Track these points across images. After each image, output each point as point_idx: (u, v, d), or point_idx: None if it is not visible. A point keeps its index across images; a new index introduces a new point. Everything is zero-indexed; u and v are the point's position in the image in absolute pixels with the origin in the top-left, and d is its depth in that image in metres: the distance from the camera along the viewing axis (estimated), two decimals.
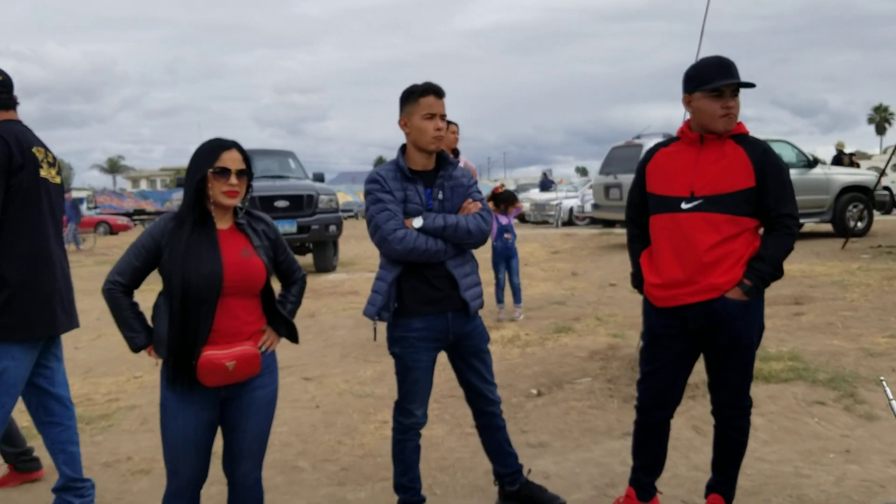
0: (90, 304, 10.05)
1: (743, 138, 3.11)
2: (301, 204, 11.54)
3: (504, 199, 7.73)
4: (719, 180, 3.03)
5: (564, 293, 8.87)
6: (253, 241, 2.88)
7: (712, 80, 3.05)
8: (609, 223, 20.73)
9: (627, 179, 13.69)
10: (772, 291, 8.36)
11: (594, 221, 22.09)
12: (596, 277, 10.24)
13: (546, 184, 31.62)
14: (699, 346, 3.16)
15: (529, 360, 5.92)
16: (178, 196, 14.74)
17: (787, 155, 14.56)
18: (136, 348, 2.84)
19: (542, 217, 23.56)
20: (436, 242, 3.23)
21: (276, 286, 3.02)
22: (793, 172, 13.90)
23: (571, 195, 23.41)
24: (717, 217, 3.01)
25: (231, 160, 2.77)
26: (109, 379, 6.16)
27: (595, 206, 15.24)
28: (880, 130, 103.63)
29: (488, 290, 8.10)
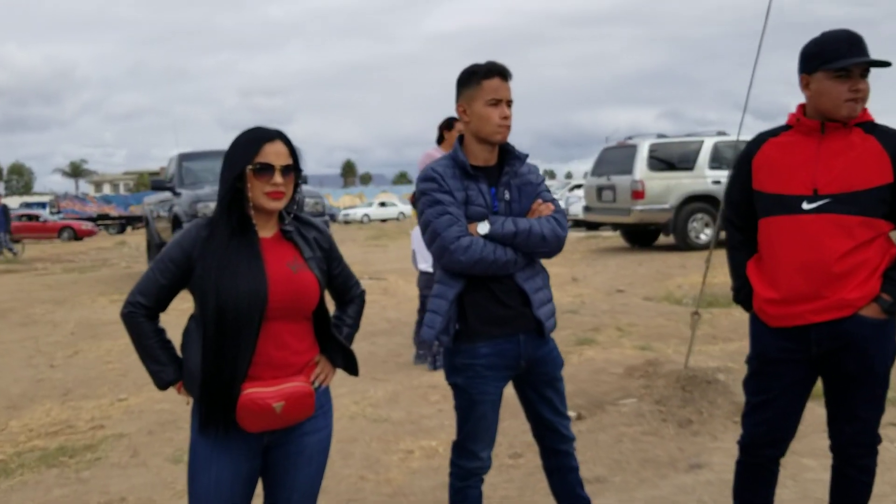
0: (63, 315, 9.43)
1: (872, 126, 2.62)
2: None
3: None
4: (849, 175, 2.54)
5: (573, 301, 8.39)
6: (303, 251, 2.37)
7: (839, 57, 2.55)
8: (593, 226, 20.37)
9: (621, 181, 13.29)
10: None
11: (577, 224, 21.72)
12: (598, 283, 9.78)
13: None
14: (819, 371, 2.67)
15: None
16: (152, 199, 14.05)
17: None
18: (162, 384, 2.33)
19: None
20: (505, 252, 2.71)
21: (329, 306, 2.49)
22: None
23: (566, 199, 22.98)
24: (848, 219, 2.52)
25: (274, 154, 2.26)
26: (91, 402, 5.54)
27: (587, 209, 14.80)
28: None
29: None
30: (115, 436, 4.80)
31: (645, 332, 6.54)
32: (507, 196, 2.82)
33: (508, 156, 2.86)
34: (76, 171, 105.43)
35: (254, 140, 2.29)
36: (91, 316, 8.96)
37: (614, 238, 16.71)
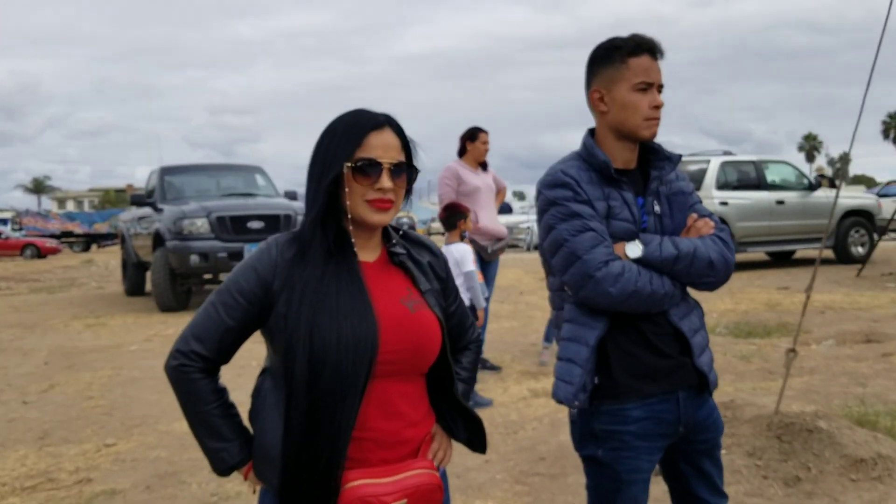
0: (34, 342, 8.56)
1: None
2: (277, 225, 10.18)
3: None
4: None
5: None
6: (418, 282, 1.73)
7: None
8: None
9: None
10: (833, 327, 7.42)
11: None
12: None
13: (505, 208, 30.69)
14: None
15: None
16: (128, 215, 13.21)
17: (788, 176, 13.84)
18: (223, 468, 1.67)
19: (510, 240, 22.52)
20: (662, 282, 2.05)
21: None
22: (794, 195, 13.29)
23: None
24: None
25: (382, 147, 1.63)
26: (73, 448, 4.76)
27: None
28: (810, 158, 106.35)
29: (537, 327, 7.15)
30: (105, 493, 4.03)
31: None
32: (656, 208, 2.16)
33: (655, 156, 2.21)
34: (39, 188, 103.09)
35: (355, 127, 1.64)
36: (66, 343, 8.12)
37: None
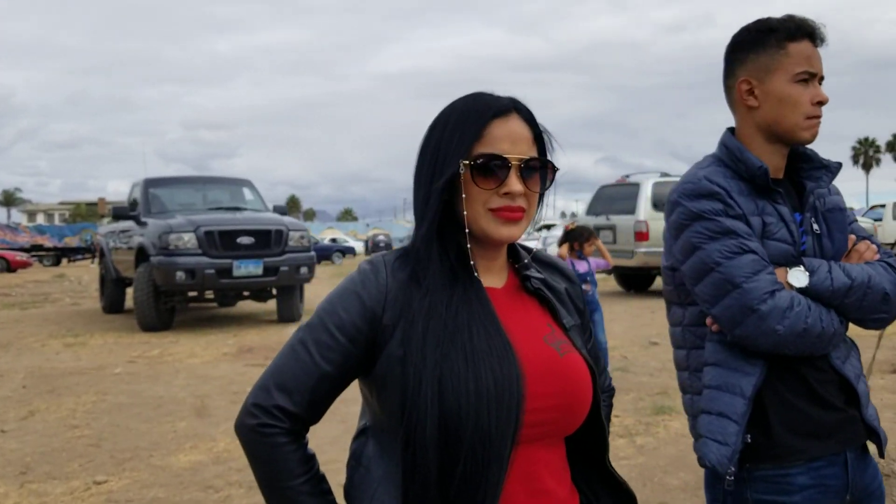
0: (10, 363, 7.95)
1: None
2: (268, 241, 9.72)
3: (578, 237, 6.21)
4: None
5: (610, 355, 7.37)
6: (561, 316, 1.34)
7: None
8: None
9: (622, 221, 12.45)
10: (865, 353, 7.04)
11: None
12: (621, 333, 8.78)
13: None
14: None
15: (660, 460, 4.36)
16: (107, 228, 12.66)
17: None
18: None
19: None
20: (831, 318, 1.67)
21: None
22: None
23: (531, 239, 22.08)
24: None
25: (508, 138, 1.23)
26: (60, 486, 4.27)
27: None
28: None
29: None
30: None
31: None
32: (815, 227, 1.79)
33: (807, 165, 1.84)
34: (9, 200, 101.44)
35: (472, 115, 1.24)
36: (44, 364, 7.59)
37: (605, 281, 15.83)
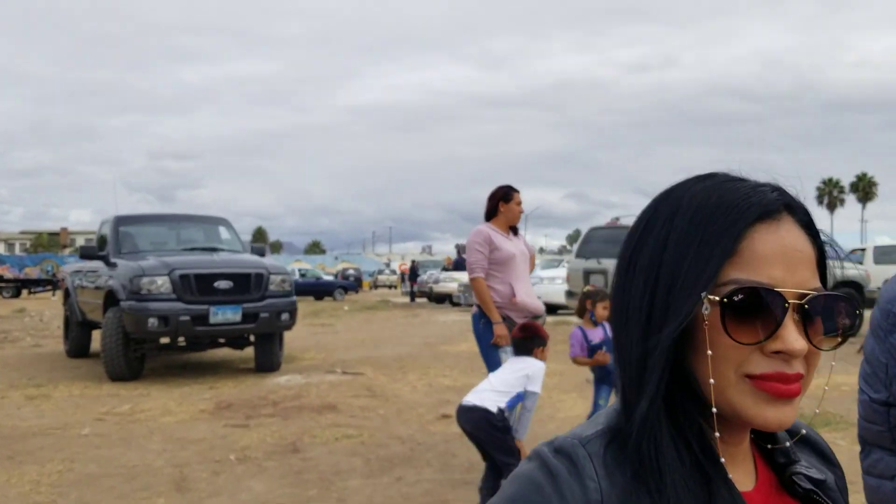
0: None
1: None
2: (248, 285, 9.14)
3: (593, 296, 5.70)
4: None
5: None
6: None
7: None
8: (551, 309, 19.10)
9: (613, 265, 12.04)
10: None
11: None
12: None
13: (461, 263, 29.92)
14: None
15: None
16: (73, 267, 11.97)
17: None
18: None
19: (473, 300, 21.60)
20: None
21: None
22: None
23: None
24: None
25: (782, 258, 0.77)
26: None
27: (570, 294, 13.46)
28: None
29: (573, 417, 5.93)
30: None
31: None
32: None
33: None
34: None
35: (724, 214, 0.78)
36: (4, 422, 6.92)
37: None
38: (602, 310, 5.66)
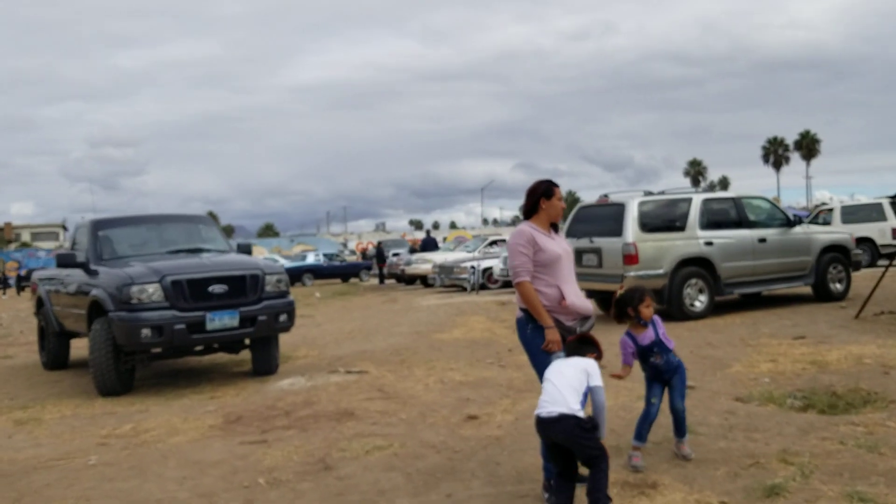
0: None
1: None
2: (243, 288, 8.66)
3: (631, 300, 5.28)
4: None
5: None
6: None
7: None
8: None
9: (608, 243, 11.84)
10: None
11: (507, 285, 20.23)
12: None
13: (430, 243, 29.58)
14: None
15: None
16: (45, 273, 11.33)
17: (766, 212, 13.29)
18: None
19: (449, 281, 21.30)
20: None
21: None
22: (773, 232, 12.70)
23: (490, 256, 21.32)
24: None
25: None
26: None
27: None
28: (695, 183, 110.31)
29: (619, 415, 5.46)
30: None
31: (829, 468, 4.86)
32: None
33: None
34: None
35: None
36: (2, 456, 6.41)
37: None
38: (645, 309, 5.31)
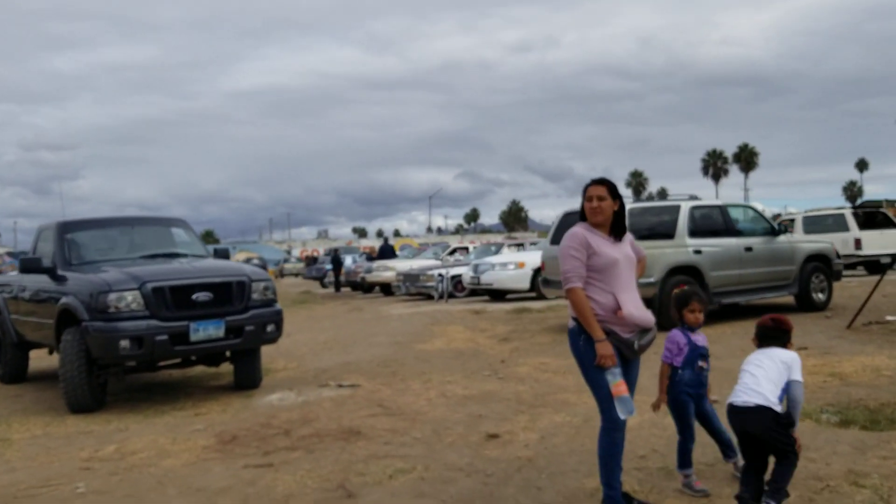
0: None
1: None
2: (229, 295, 8.04)
3: (681, 300, 4.99)
4: None
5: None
6: None
7: None
8: (498, 294, 18.55)
9: None
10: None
11: (473, 293, 19.85)
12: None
13: (387, 250, 29.04)
14: None
15: None
16: (1, 279, 10.49)
17: (752, 221, 13.15)
18: None
19: (415, 289, 20.76)
20: None
21: None
22: (758, 241, 12.54)
23: (459, 263, 20.85)
24: None
25: None
26: None
27: (546, 283, 12.81)
28: (637, 193, 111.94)
29: (652, 433, 4.83)
30: None
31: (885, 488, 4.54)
32: None
33: None
34: None
35: None
36: None
37: (555, 311, 14.85)
38: (689, 314, 4.98)
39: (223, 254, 9.71)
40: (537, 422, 6.61)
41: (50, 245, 8.97)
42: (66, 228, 8.97)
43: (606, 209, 4.55)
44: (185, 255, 9.18)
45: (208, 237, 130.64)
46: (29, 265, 8.52)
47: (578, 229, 4.57)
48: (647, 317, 4.60)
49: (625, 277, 4.57)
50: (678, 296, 5.09)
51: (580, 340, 4.48)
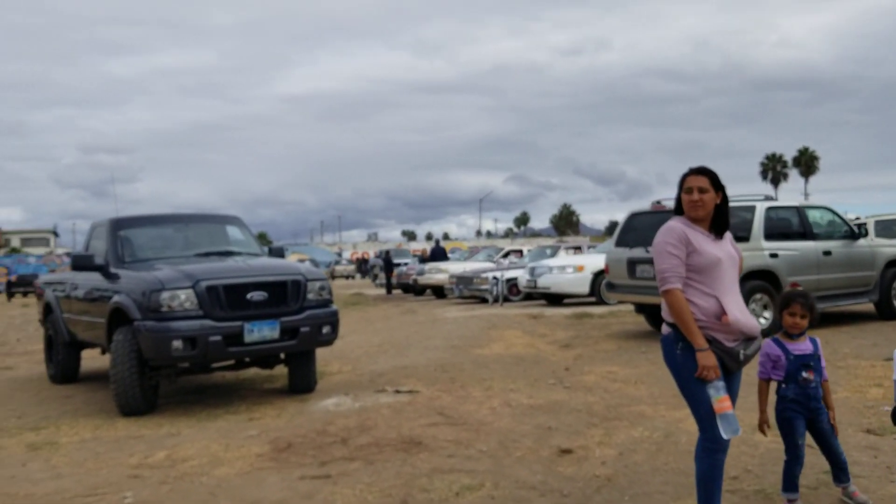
0: None
1: None
2: (284, 295, 7.71)
3: (788, 301, 4.50)
4: None
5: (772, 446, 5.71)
6: None
7: None
8: (553, 297, 18.05)
9: None
10: None
11: (528, 297, 19.33)
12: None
13: (439, 253, 28.66)
14: None
15: None
16: (53, 278, 10.35)
17: (831, 223, 12.43)
18: None
19: (468, 292, 20.34)
20: None
21: None
22: (837, 245, 11.80)
23: (514, 266, 20.35)
24: None
25: None
26: None
27: (611, 287, 12.27)
28: None
29: (745, 451, 4.43)
30: None
31: None
32: None
33: None
34: None
35: None
36: (12, 489, 5.42)
37: (618, 316, 14.30)
38: (789, 317, 4.48)
39: (278, 252, 9.40)
40: (613, 436, 6.11)
41: (103, 242, 8.76)
42: (119, 225, 8.75)
43: (708, 202, 4.07)
44: (239, 254, 8.89)
45: (261, 239, 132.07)
46: (81, 262, 8.30)
47: (676, 224, 4.09)
48: (752, 323, 4.09)
49: (728, 279, 4.09)
50: (783, 295, 4.61)
51: (677, 349, 3.99)
